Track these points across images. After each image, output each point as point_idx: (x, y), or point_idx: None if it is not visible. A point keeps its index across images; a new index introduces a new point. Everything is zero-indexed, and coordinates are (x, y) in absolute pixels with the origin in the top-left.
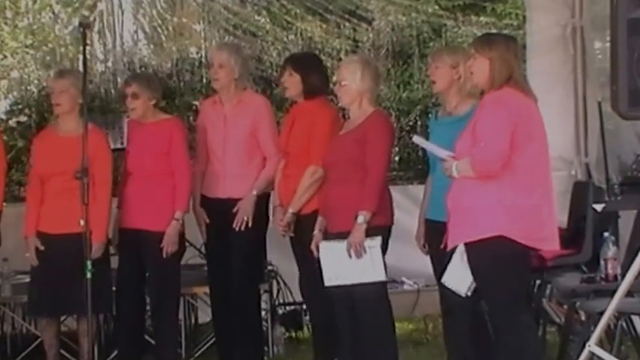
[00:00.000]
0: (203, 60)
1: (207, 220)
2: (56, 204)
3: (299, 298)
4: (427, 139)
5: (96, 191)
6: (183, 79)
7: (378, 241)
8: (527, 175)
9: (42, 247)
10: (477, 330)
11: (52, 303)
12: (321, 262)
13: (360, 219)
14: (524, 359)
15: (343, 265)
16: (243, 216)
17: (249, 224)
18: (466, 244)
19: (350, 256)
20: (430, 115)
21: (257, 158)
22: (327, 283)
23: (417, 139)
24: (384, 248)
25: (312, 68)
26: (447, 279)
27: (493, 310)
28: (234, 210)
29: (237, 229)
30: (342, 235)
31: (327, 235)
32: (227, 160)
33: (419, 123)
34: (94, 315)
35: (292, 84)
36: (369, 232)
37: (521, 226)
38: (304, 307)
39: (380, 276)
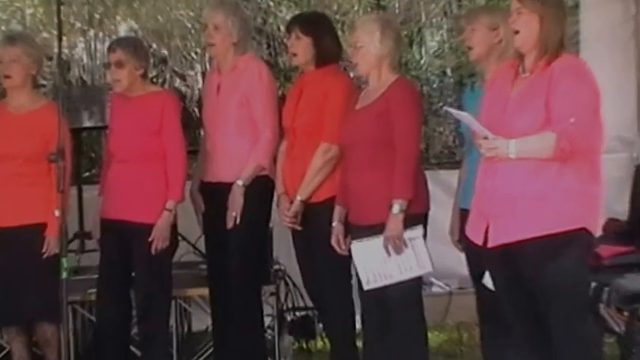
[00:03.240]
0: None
1: (202, 209)
2: (5, 192)
3: (310, 302)
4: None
5: (52, 177)
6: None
7: (419, 230)
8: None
9: None
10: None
11: (11, 309)
12: (356, 265)
13: (396, 208)
14: None
15: (382, 263)
16: (232, 212)
17: (238, 220)
18: (526, 240)
19: (388, 252)
20: (466, 88)
21: (250, 135)
22: (367, 286)
23: (450, 110)
24: (424, 237)
25: (324, 30)
26: (490, 280)
27: (556, 318)
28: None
29: (228, 227)
30: (374, 229)
31: (351, 229)
32: (217, 138)
33: (452, 95)
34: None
35: (300, 48)
36: (407, 223)
37: (596, 217)
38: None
39: (427, 268)
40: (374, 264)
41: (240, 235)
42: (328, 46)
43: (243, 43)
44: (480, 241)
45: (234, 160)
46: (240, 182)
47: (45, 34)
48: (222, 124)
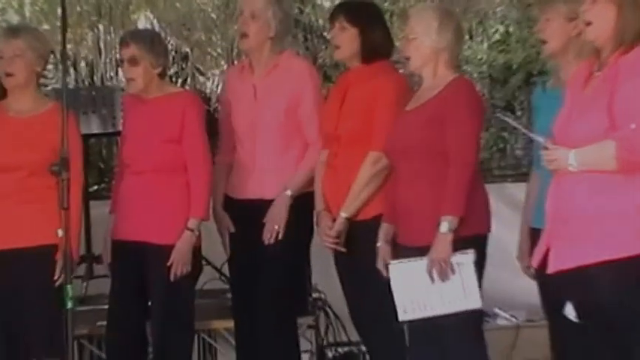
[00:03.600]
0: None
1: (232, 229)
2: (7, 209)
3: (356, 336)
4: (532, 118)
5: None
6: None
7: (470, 256)
8: None
9: None
10: None
11: (9, 345)
12: (393, 289)
13: (444, 227)
14: None
15: (423, 290)
16: (274, 225)
17: (280, 235)
18: (604, 263)
19: (432, 278)
20: (537, 87)
21: (297, 146)
22: (402, 316)
23: (502, 116)
24: (481, 265)
25: (373, 20)
26: (572, 310)
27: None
28: (265, 219)
29: (266, 242)
30: (425, 252)
31: (399, 251)
32: (257, 148)
33: (519, 96)
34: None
35: (345, 40)
36: (458, 244)
37: None
38: (363, 348)
39: (474, 303)
40: (413, 290)
41: (275, 257)
42: (378, 39)
43: (281, 40)
44: (538, 265)
45: (278, 175)
46: (288, 192)
47: (46, 26)
48: (262, 133)
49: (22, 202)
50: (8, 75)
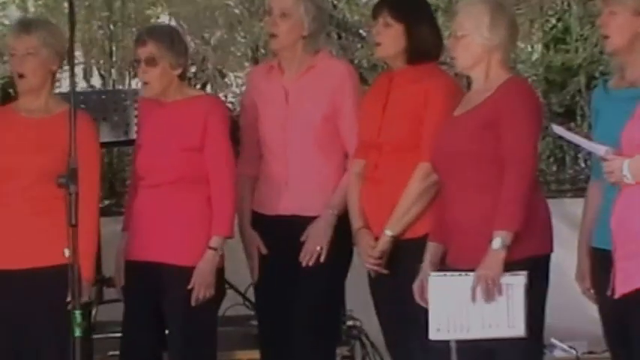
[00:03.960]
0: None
1: (264, 250)
2: (13, 223)
3: None
4: (592, 121)
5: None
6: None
7: (522, 278)
8: None
9: None
10: None
11: None
12: (430, 304)
13: (497, 243)
14: None
15: (463, 309)
16: (316, 246)
17: (322, 258)
18: None
19: (474, 297)
20: (597, 87)
21: (336, 156)
22: (434, 335)
23: (557, 130)
24: (542, 289)
25: (421, 17)
26: None
27: None
28: (303, 237)
29: (304, 264)
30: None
31: (446, 270)
32: (290, 159)
33: (579, 101)
34: None
35: (389, 38)
36: (511, 264)
37: None
38: None
39: (517, 331)
40: (452, 308)
41: (311, 280)
42: (426, 38)
43: (315, 39)
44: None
45: (316, 189)
46: (333, 211)
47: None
48: (296, 141)
49: (31, 215)
50: (20, 76)
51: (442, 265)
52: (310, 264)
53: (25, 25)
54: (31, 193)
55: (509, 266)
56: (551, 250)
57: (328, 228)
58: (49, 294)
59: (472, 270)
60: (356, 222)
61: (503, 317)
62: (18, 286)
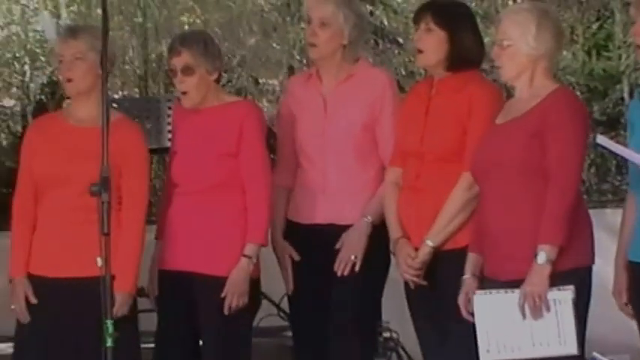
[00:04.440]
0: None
1: (297, 257)
2: (60, 231)
3: None
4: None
5: (123, 215)
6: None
7: (569, 293)
8: None
9: (34, 300)
10: None
11: None
12: (477, 324)
13: (542, 257)
14: None
15: (511, 328)
16: (351, 254)
17: (357, 267)
18: None
19: (524, 314)
20: (634, 98)
21: (374, 166)
22: (485, 357)
23: (600, 139)
24: (584, 303)
25: (464, 23)
26: None
27: None
28: (338, 245)
29: (339, 273)
30: (515, 286)
31: (487, 285)
32: (329, 168)
33: (622, 110)
34: None
35: (431, 44)
36: (556, 279)
37: None
38: None
39: (569, 348)
40: (500, 327)
41: (346, 290)
42: (468, 45)
43: (355, 47)
44: None
45: (353, 198)
46: (369, 219)
47: None
48: (334, 150)
49: (79, 223)
50: (68, 81)
51: (481, 276)
52: (345, 273)
53: (72, 31)
54: (81, 201)
55: (553, 277)
56: (593, 262)
57: (363, 236)
58: (94, 304)
59: (511, 282)
60: (394, 232)
61: (554, 335)
62: (65, 294)
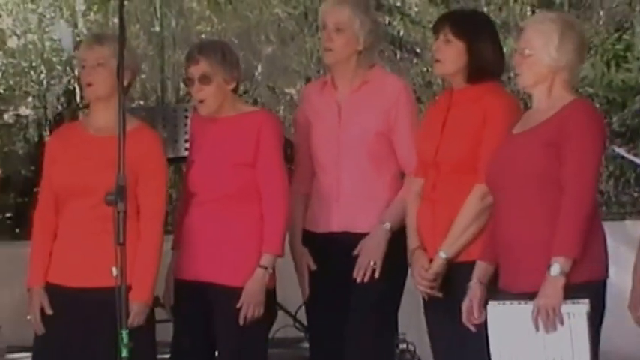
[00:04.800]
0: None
1: (313, 267)
2: (79, 241)
3: None
4: None
5: (142, 225)
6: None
7: (584, 306)
8: None
9: (50, 310)
10: None
11: None
12: (490, 335)
13: (555, 269)
14: None
15: (524, 341)
16: (370, 260)
17: (377, 273)
18: None
19: (537, 327)
20: None
21: (389, 173)
22: None
23: (618, 150)
24: (598, 316)
25: (483, 34)
26: None
27: None
28: (356, 251)
29: (359, 279)
30: (529, 298)
31: (500, 296)
32: (342, 175)
33: None
34: None
35: (449, 55)
36: (570, 292)
37: None
38: None
39: None
40: (513, 340)
41: (364, 297)
42: (487, 56)
43: (370, 53)
44: None
45: (369, 206)
46: (387, 226)
47: None
48: (349, 157)
49: (99, 233)
50: (88, 85)
51: (494, 287)
52: (366, 279)
53: (97, 37)
54: (100, 211)
55: (567, 290)
56: (607, 276)
57: (382, 242)
58: (111, 314)
59: (525, 293)
60: (412, 242)
61: (567, 348)
62: (81, 303)
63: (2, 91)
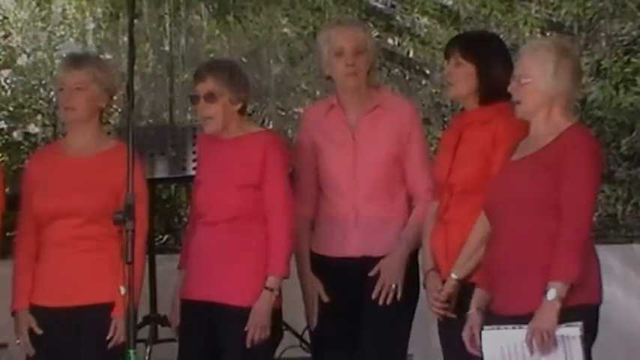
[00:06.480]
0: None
1: (325, 298)
2: (63, 261)
3: None
4: None
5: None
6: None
7: (577, 329)
8: None
9: (39, 330)
10: None
11: None
12: (485, 359)
13: (552, 294)
14: None
15: None
16: (391, 283)
17: (399, 296)
18: None
19: (532, 350)
20: None
21: (402, 196)
22: None
23: (623, 174)
24: (590, 341)
25: (494, 56)
26: None
27: None
28: (373, 272)
29: (380, 302)
30: (521, 320)
31: (492, 320)
32: (359, 200)
33: None
34: None
35: (460, 78)
36: (565, 315)
37: None
38: None
39: None
40: None
41: (377, 323)
42: (498, 77)
43: (375, 72)
44: None
45: (385, 229)
46: (406, 247)
47: (108, 55)
48: (366, 181)
49: (80, 252)
50: (67, 109)
51: (486, 310)
52: (388, 302)
53: (76, 60)
54: (83, 231)
55: (560, 312)
56: (601, 301)
57: (403, 264)
58: (93, 332)
59: (517, 316)
60: (426, 264)
61: None
62: (64, 323)
63: (11, 108)
